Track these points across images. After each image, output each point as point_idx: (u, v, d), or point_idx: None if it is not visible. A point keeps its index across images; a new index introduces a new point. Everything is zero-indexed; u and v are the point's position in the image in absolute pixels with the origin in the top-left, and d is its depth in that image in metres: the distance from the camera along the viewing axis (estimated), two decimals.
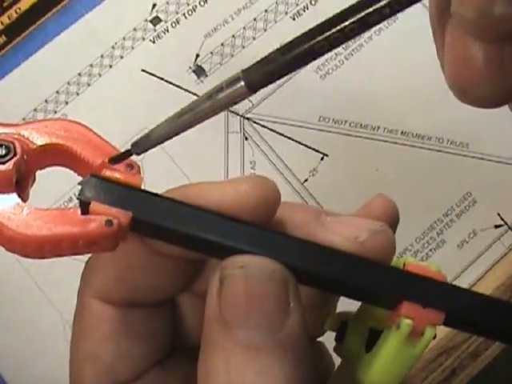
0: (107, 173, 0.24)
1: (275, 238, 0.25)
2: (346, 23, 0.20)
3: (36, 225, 0.23)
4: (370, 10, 0.20)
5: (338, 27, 0.20)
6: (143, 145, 0.23)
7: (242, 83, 0.21)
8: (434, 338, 0.25)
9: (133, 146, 0.23)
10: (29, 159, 0.24)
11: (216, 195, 0.25)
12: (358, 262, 0.25)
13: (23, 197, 0.24)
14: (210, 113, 0.21)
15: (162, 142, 0.23)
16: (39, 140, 0.25)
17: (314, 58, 0.20)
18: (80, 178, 0.24)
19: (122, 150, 0.24)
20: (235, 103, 0.21)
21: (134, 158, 0.44)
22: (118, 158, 0.24)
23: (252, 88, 0.21)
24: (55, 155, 0.25)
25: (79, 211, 0.23)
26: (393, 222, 0.28)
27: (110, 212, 0.23)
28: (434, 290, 0.25)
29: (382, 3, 0.20)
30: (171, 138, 0.22)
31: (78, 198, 0.24)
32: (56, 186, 0.44)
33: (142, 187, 0.25)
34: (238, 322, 0.23)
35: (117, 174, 0.24)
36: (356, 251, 0.25)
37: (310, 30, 0.20)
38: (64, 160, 0.25)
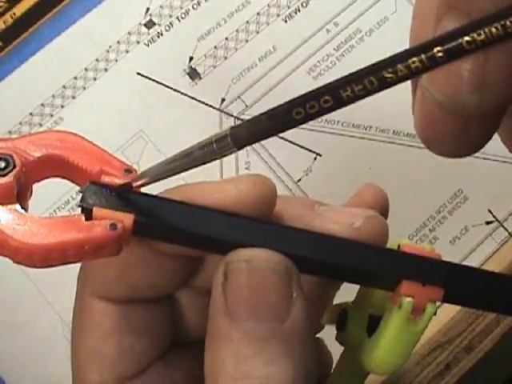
0: (106, 179, 0.25)
1: (276, 230, 0.25)
2: (324, 98, 0.21)
3: (41, 233, 0.23)
4: (345, 88, 0.21)
5: (313, 101, 0.21)
6: (140, 181, 0.24)
7: (229, 140, 0.22)
8: (435, 314, 0.25)
9: (133, 180, 0.25)
10: (27, 171, 0.24)
11: (217, 194, 0.25)
12: (357, 246, 0.25)
13: (25, 208, 0.24)
14: (200, 162, 0.23)
15: (157, 181, 0.24)
16: (36, 152, 0.25)
17: (293, 126, 0.21)
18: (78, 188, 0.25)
19: (122, 182, 0.25)
20: (223, 156, 0.22)
21: (129, 161, 0.45)
22: (119, 189, 0.25)
23: (237, 145, 0.22)
24: (52, 166, 0.25)
25: (83, 217, 0.24)
26: (383, 208, 0.29)
27: (112, 216, 0.24)
28: (432, 268, 0.25)
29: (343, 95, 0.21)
30: (165, 178, 0.24)
31: (79, 206, 0.24)
32: (48, 193, 0.44)
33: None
34: (244, 315, 0.24)
35: (115, 179, 0.25)
36: (353, 237, 0.26)
37: (290, 101, 0.21)
38: (62, 170, 0.25)
